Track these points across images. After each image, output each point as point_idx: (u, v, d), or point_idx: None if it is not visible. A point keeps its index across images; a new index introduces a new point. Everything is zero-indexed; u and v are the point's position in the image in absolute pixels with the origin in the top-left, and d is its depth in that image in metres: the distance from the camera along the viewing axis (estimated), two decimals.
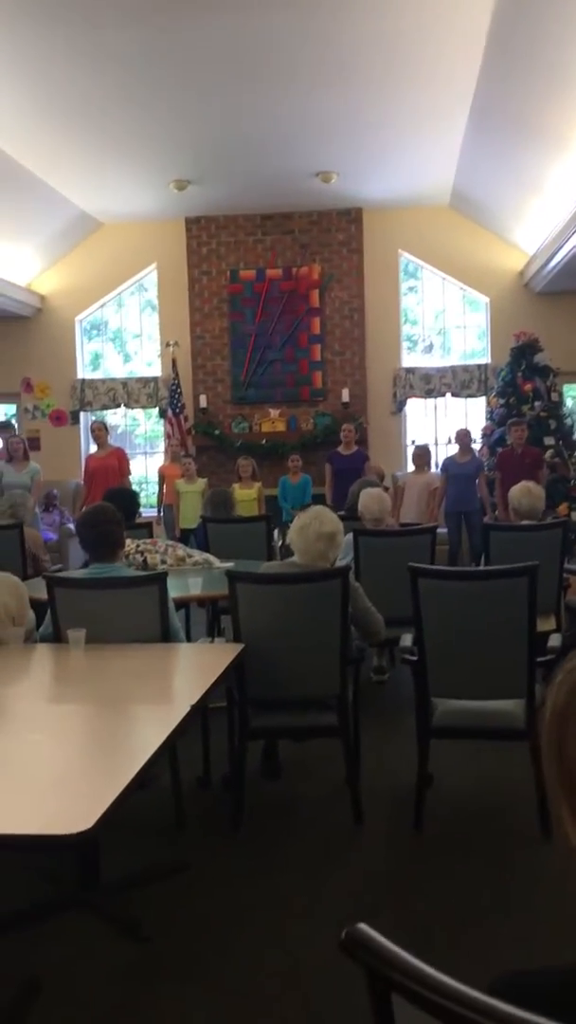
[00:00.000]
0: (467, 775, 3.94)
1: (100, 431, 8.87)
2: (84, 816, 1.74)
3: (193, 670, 3.20)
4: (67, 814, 1.82)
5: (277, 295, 10.36)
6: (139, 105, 7.37)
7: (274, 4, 5.77)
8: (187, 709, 2.47)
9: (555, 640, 3.62)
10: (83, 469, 8.93)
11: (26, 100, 7.09)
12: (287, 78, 6.92)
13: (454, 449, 8.95)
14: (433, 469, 9.14)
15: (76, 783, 2.06)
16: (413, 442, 10.23)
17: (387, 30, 6.13)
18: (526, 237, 9.64)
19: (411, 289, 10.92)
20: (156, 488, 9.73)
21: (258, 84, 7.03)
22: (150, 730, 2.40)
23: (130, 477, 9.15)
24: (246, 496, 8.21)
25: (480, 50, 6.33)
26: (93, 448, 9.23)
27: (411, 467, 8.88)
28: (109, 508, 3.71)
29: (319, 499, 9.01)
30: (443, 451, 9.87)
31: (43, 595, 3.56)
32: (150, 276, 10.90)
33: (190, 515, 8.37)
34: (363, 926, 0.80)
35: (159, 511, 9.29)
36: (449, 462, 8.82)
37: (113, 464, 8.68)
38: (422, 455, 8.76)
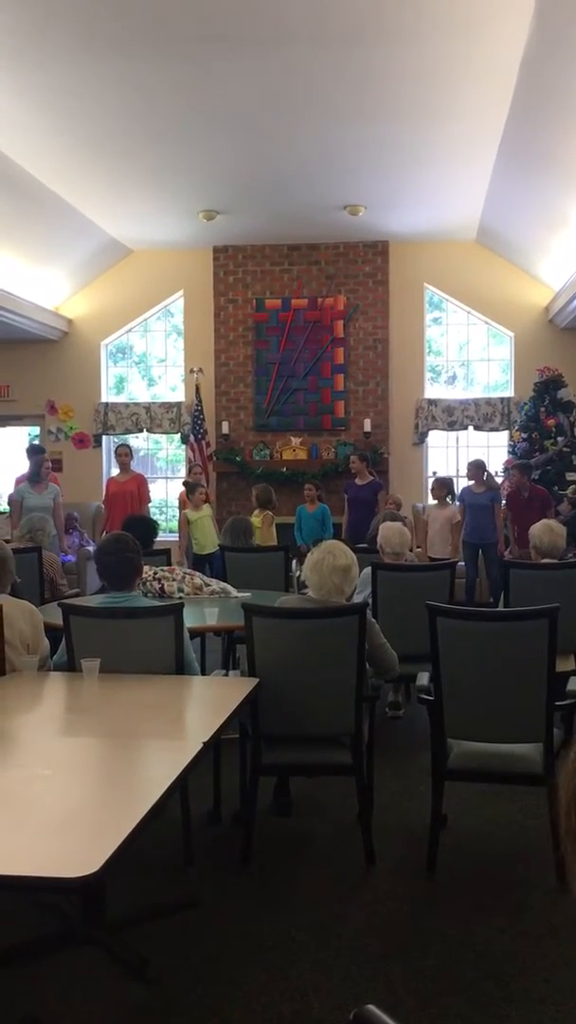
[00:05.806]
0: (482, 817, 3.87)
1: (125, 455, 8.91)
2: (90, 858, 1.70)
3: (206, 704, 3.17)
4: (73, 855, 1.78)
5: (302, 324, 10.39)
6: (170, 136, 7.45)
7: (305, 39, 5.83)
8: (199, 746, 2.44)
9: (574, 683, 3.56)
10: (104, 491, 8.93)
11: (60, 130, 7.20)
12: (317, 112, 6.98)
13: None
14: (455, 502, 9.07)
15: (83, 822, 2.02)
16: (435, 473, 10.17)
17: (417, 66, 6.18)
18: (552, 273, 9.63)
19: (435, 320, 10.93)
20: (176, 512, 9.69)
21: (288, 118, 7.09)
22: (161, 767, 2.37)
23: (150, 504, 9.14)
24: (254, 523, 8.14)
25: (510, 87, 6.36)
26: (115, 471, 9.26)
27: (431, 500, 8.81)
28: (128, 537, 3.70)
29: (337, 529, 8.97)
30: (464, 484, 9.78)
31: (59, 621, 3.54)
32: (177, 302, 10.99)
33: (204, 542, 8.31)
34: (372, 1008, 0.77)
35: (180, 537, 9.23)
36: (465, 492, 8.74)
37: (133, 490, 8.68)
38: (442, 488, 8.63)
